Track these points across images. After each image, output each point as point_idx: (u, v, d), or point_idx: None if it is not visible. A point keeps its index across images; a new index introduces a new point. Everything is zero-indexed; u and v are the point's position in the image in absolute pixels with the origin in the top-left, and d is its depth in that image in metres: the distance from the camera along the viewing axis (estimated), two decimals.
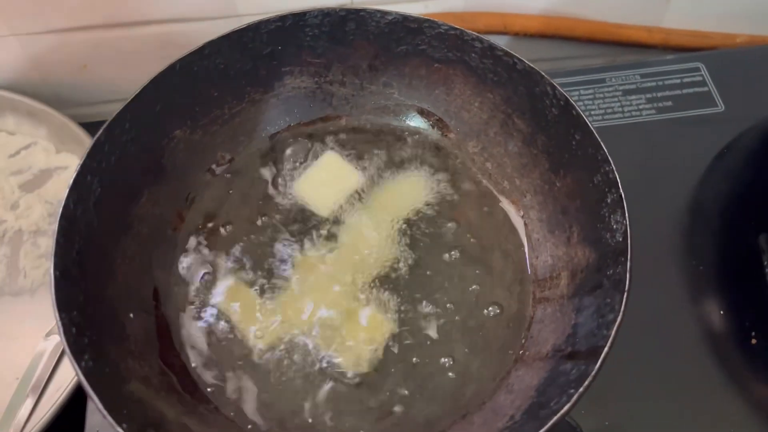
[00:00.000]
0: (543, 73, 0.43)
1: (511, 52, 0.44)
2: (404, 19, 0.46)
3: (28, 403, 0.54)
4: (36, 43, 0.67)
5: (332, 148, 0.48)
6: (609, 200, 0.40)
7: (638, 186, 0.58)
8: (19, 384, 0.54)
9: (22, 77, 0.70)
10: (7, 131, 0.69)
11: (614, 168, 0.39)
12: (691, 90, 0.64)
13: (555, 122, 0.43)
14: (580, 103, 0.63)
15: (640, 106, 0.63)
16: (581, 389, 0.33)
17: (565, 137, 0.43)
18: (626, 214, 0.38)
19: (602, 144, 0.40)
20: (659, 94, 0.64)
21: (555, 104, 0.43)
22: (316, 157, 0.49)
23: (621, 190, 0.39)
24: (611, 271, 0.38)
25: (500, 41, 0.72)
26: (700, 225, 0.57)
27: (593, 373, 0.34)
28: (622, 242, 0.38)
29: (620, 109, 0.63)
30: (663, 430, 0.49)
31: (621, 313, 0.35)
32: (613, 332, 0.34)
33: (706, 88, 0.64)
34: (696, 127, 0.62)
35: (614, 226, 0.39)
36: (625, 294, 0.36)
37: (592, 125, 0.41)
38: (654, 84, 0.65)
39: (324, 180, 0.47)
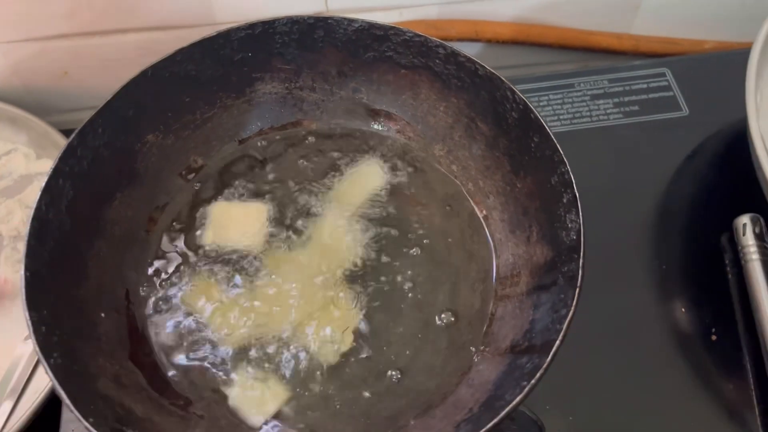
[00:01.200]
0: (503, 78, 0.45)
1: (473, 57, 0.46)
2: (370, 27, 0.48)
3: (6, 406, 0.54)
4: (17, 50, 0.68)
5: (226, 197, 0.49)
6: (565, 200, 0.41)
7: (605, 188, 0.60)
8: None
9: (4, 84, 0.71)
10: None
11: (569, 169, 0.41)
12: (656, 95, 0.66)
13: (515, 126, 0.45)
14: (549, 108, 0.65)
15: (608, 111, 0.65)
16: (533, 381, 0.35)
17: (524, 140, 0.44)
18: (580, 213, 0.40)
19: (558, 146, 0.42)
20: (626, 99, 0.66)
21: (515, 108, 0.45)
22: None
23: (575, 190, 0.40)
24: (566, 268, 0.39)
25: (473, 48, 0.74)
26: (665, 225, 0.59)
27: (545, 365, 0.35)
28: (576, 240, 0.39)
29: (588, 114, 0.65)
30: (626, 425, 0.50)
31: (573, 308, 0.36)
32: (565, 326, 0.36)
33: (671, 93, 0.66)
34: (661, 130, 0.64)
35: (569, 225, 0.40)
36: (577, 289, 0.37)
37: (549, 128, 0.42)
38: (621, 89, 0.67)
39: (232, 221, 0.48)
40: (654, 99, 0.66)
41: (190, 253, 0.46)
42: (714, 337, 0.53)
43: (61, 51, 0.69)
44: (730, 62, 0.69)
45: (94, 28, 0.67)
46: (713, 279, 0.56)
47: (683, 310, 0.54)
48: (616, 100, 0.66)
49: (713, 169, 0.62)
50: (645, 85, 0.67)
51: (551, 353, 0.35)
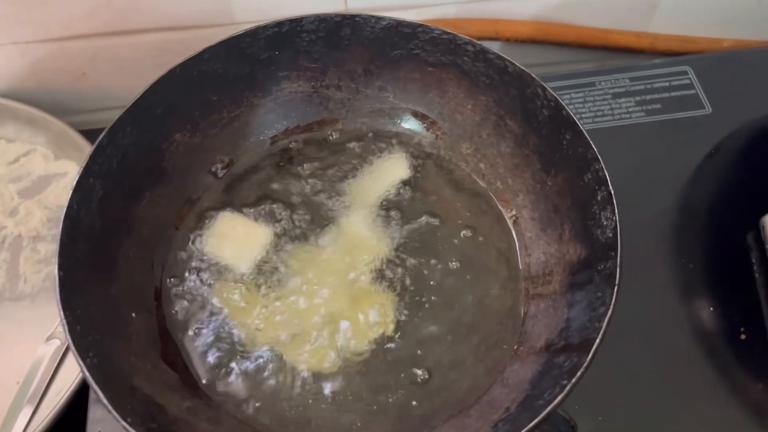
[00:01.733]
0: (534, 76, 0.44)
1: (503, 55, 0.46)
2: (398, 24, 0.47)
3: (29, 407, 0.54)
4: (35, 51, 0.68)
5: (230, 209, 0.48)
6: (599, 197, 0.41)
7: (628, 186, 0.59)
8: (19, 388, 0.55)
9: (22, 85, 0.71)
10: (6, 138, 0.70)
11: (603, 166, 0.41)
12: (678, 93, 0.66)
13: (546, 123, 0.45)
14: (571, 106, 0.65)
15: (630, 109, 0.65)
16: (573, 380, 0.34)
17: (555, 137, 0.44)
18: (616, 211, 0.39)
19: (592, 143, 0.41)
20: (648, 97, 0.66)
21: (546, 105, 0.44)
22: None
23: (610, 187, 0.40)
24: (602, 266, 0.39)
25: (492, 47, 0.74)
26: (689, 224, 0.59)
27: (585, 364, 0.35)
28: (612, 238, 0.39)
29: (610, 112, 0.65)
30: (654, 425, 0.50)
31: (612, 306, 0.36)
32: (605, 324, 0.35)
33: (693, 91, 0.66)
34: (684, 128, 0.63)
35: (604, 223, 0.40)
36: (616, 287, 0.37)
37: (581, 125, 0.42)
38: (643, 87, 0.66)
39: (231, 239, 0.47)
40: (676, 97, 0.65)
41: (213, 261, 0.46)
42: (743, 336, 0.53)
43: (79, 51, 0.69)
44: (751, 60, 0.69)
45: (112, 29, 0.67)
46: (740, 278, 0.55)
47: (711, 309, 0.54)
48: (638, 98, 0.65)
49: (737, 167, 0.62)
50: (667, 84, 0.66)
51: (591, 351, 0.35)
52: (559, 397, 0.34)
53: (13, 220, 0.66)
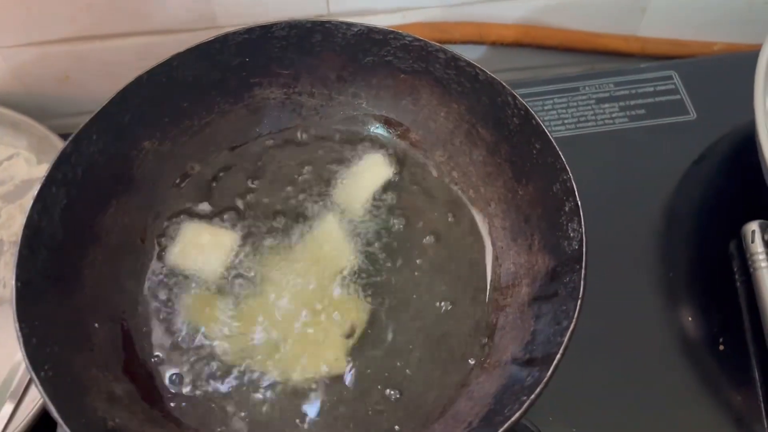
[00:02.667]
0: (504, 84, 0.44)
1: (474, 62, 0.45)
2: (369, 31, 0.47)
3: (7, 409, 0.54)
4: (17, 55, 0.68)
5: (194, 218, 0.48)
6: (567, 208, 0.40)
7: (609, 193, 0.59)
8: (0, 385, 0.55)
9: (5, 89, 0.71)
10: None
11: (571, 177, 0.40)
12: (663, 98, 0.65)
13: (517, 132, 0.44)
14: (554, 112, 0.64)
15: (613, 114, 0.64)
16: (533, 396, 0.34)
17: (526, 146, 0.44)
18: (582, 223, 0.39)
19: (560, 153, 0.41)
20: (632, 102, 0.65)
21: (516, 114, 0.44)
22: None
23: (578, 199, 0.39)
24: (567, 279, 0.38)
25: (477, 51, 0.74)
26: (671, 232, 0.58)
27: (545, 380, 0.34)
28: (578, 250, 0.38)
29: (593, 118, 0.64)
30: None
31: (574, 321, 0.36)
32: (566, 339, 0.35)
33: (678, 96, 0.65)
34: (668, 134, 0.63)
35: (571, 234, 0.39)
36: (579, 301, 0.36)
37: (551, 134, 0.42)
38: (627, 92, 0.65)
39: (198, 249, 0.47)
40: (661, 102, 0.65)
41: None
42: (722, 347, 0.52)
43: (62, 55, 0.69)
44: (739, 64, 0.68)
45: (94, 32, 0.67)
46: (721, 287, 0.55)
47: (690, 318, 0.53)
48: (622, 103, 0.65)
49: (721, 174, 0.61)
50: (652, 89, 0.65)
51: (552, 367, 0.34)
52: (517, 414, 0.33)
53: None
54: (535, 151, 0.43)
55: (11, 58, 0.68)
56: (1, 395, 0.55)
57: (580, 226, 0.39)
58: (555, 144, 0.41)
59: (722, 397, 0.50)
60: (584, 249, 0.38)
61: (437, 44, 0.46)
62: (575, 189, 0.39)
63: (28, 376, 0.54)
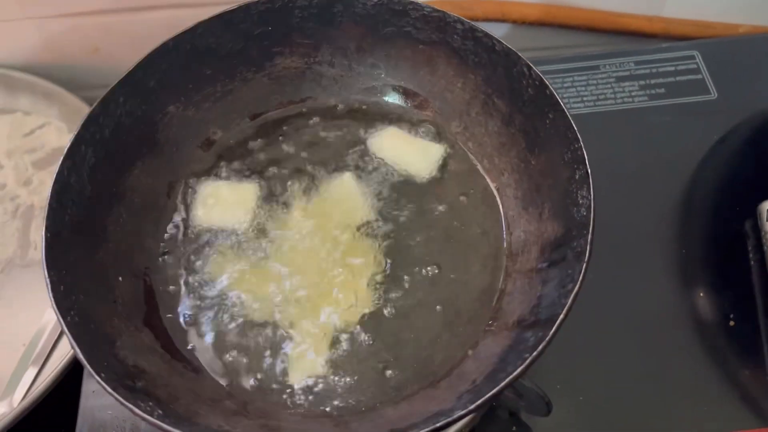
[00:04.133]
0: (520, 54, 0.44)
1: (490, 33, 0.46)
2: (389, 2, 0.48)
3: (33, 368, 0.57)
4: (49, 26, 0.70)
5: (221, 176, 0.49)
6: (577, 176, 0.41)
7: (628, 171, 0.60)
8: (24, 350, 0.57)
9: (38, 59, 0.73)
10: (23, 111, 0.73)
11: (582, 145, 0.41)
12: (684, 77, 0.65)
13: (531, 102, 0.45)
14: (573, 89, 0.64)
15: (633, 93, 0.64)
16: (534, 353, 0.35)
17: (539, 116, 0.44)
18: (591, 189, 0.39)
19: (572, 122, 0.41)
20: (652, 81, 0.65)
21: (531, 84, 0.44)
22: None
23: (588, 166, 0.40)
24: (575, 244, 0.39)
25: (499, 29, 0.74)
26: (688, 210, 0.58)
27: (547, 338, 0.35)
28: (586, 216, 0.39)
29: (612, 96, 0.64)
30: (637, 408, 0.50)
31: (579, 283, 0.36)
32: (570, 300, 0.36)
33: (699, 76, 0.65)
34: (687, 114, 0.63)
35: (580, 201, 0.40)
36: (584, 264, 0.37)
37: (564, 104, 0.42)
38: (648, 71, 0.66)
39: (221, 204, 0.48)
40: (681, 82, 0.65)
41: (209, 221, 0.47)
42: (732, 323, 0.52)
43: (92, 27, 0.71)
44: (763, 46, 0.68)
45: (123, 5, 0.69)
46: (734, 265, 0.55)
47: (701, 294, 0.54)
48: (642, 82, 0.65)
49: (740, 154, 0.61)
50: (673, 68, 0.65)
51: (554, 326, 0.35)
52: (519, 369, 0.34)
53: (26, 190, 0.69)
54: (548, 121, 0.43)
55: (43, 29, 0.70)
56: (28, 354, 0.57)
57: (589, 193, 0.39)
58: (567, 113, 0.42)
59: (731, 373, 0.51)
60: (592, 215, 0.39)
61: (455, 15, 0.47)
62: (585, 157, 0.40)
63: (52, 342, 0.57)
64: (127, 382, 0.36)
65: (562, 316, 0.35)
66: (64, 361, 0.55)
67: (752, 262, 0.55)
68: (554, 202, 0.43)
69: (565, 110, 0.42)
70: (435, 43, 0.49)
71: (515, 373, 0.34)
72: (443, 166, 0.49)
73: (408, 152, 0.49)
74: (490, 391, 0.34)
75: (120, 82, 0.45)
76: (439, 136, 0.50)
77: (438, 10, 0.47)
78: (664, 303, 0.53)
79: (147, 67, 0.46)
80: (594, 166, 0.57)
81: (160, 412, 0.35)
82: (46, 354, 0.58)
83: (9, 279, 0.62)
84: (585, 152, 0.40)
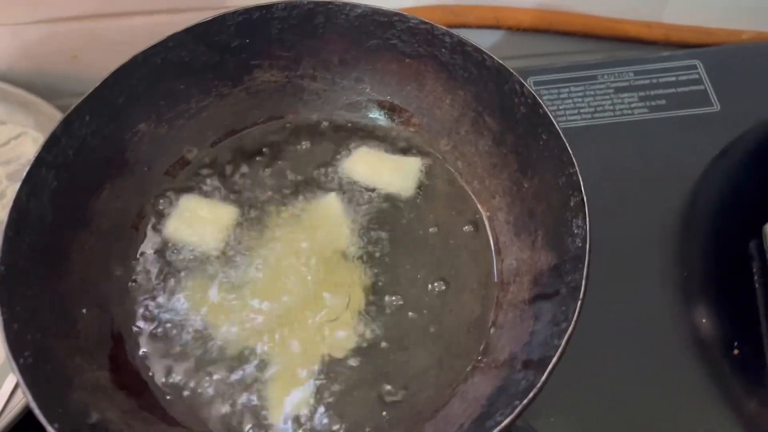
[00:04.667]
0: (511, 70, 0.42)
1: (481, 47, 0.43)
2: (373, 12, 0.45)
3: (8, 386, 0.54)
4: (26, 32, 0.68)
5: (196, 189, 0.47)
6: (572, 203, 0.38)
7: (626, 186, 0.57)
8: (4, 360, 0.55)
9: (13, 67, 0.71)
10: None
11: (578, 170, 0.38)
12: (686, 88, 0.62)
13: (523, 121, 0.42)
14: (569, 101, 0.62)
15: (632, 105, 0.62)
16: (525, 401, 0.32)
17: (533, 137, 0.41)
18: (587, 219, 0.37)
19: (567, 145, 0.39)
20: (653, 92, 0.62)
21: (523, 102, 0.42)
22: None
23: (583, 194, 0.37)
24: (569, 278, 0.36)
25: (492, 36, 0.71)
26: (689, 229, 0.56)
27: (539, 385, 0.32)
28: (581, 248, 0.36)
29: (611, 107, 0.61)
30: None
31: (573, 323, 0.34)
32: (564, 342, 0.33)
33: (702, 87, 0.62)
34: (689, 127, 0.60)
35: (575, 231, 0.37)
36: (579, 302, 0.34)
37: (558, 125, 0.39)
38: (648, 82, 0.63)
39: (195, 222, 0.46)
40: (683, 93, 0.62)
41: (180, 247, 0.45)
42: (736, 351, 0.49)
43: (70, 34, 0.68)
44: (767, 54, 0.65)
45: (102, 11, 0.66)
46: (738, 288, 0.52)
47: (704, 320, 0.51)
48: (641, 93, 0.62)
49: (744, 170, 0.58)
50: (674, 78, 0.63)
51: (546, 372, 0.32)
52: (508, 419, 0.32)
53: (0, 204, 0.66)
54: (541, 142, 0.41)
55: (20, 35, 0.68)
56: (3, 371, 0.55)
57: (585, 223, 0.37)
58: (562, 135, 0.39)
59: (734, 403, 0.48)
60: (587, 247, 0.36)
61: (444, 27, 0.44)
62: (581, 183, 0.37)
63: None
64: (83, 429, 0.34)
65: (555, 360, 0.33)
66: None
67: (757, 286, 0.52)
68: (548, 230, 0.40)
69: (560, 131, 0.39)
70: (422, 56, 0.46)
71: (504, 423, 0.32)
72: (429, 186, 0.47)
73: (384, 171, 0.46)
74: None
75: (85, 100, 0.42)
76: (422, 154, 0.48)
77: (425, 22, 0.44)
78: (665, 330, 0.50)
79: (115, 83, 0.43)
80: (592, 182, 0.54)
81: None
82: None
83: None
84: (581, 178, 0.38)
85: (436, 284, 0.43)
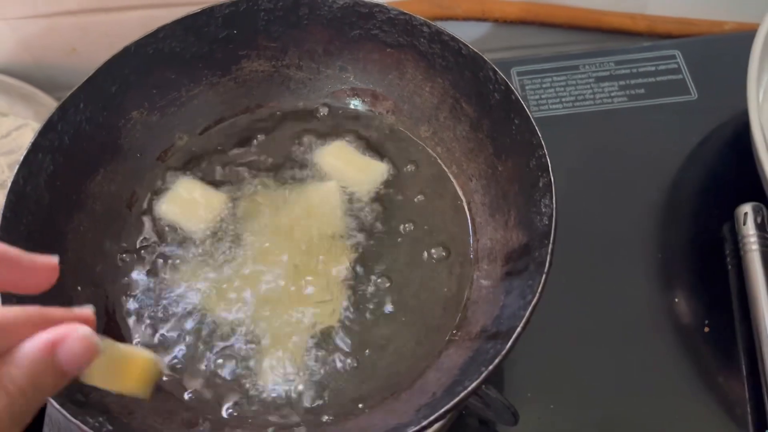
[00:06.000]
0: (486, 59, 0.44)
1: (457, 37, 0.45)
2: (355, 4, 0.47)
3: None
4: (25, 26, 0.69)
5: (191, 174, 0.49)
6: (540, 184, 0.40)
7: (605, 172, 0.59)
8: None
9: (15, 60, 0.73)
10: None
11: (546, 153, 0.40)
12: (665, 78, 0.64)
13: (497, 107, 0.44)
14: (552, 90, 0.63)
15: (612, 94, 0.63)
16: (491, 367, 0.34)
17: (506, 122, 0.43)
18: (554, 199, 0.38)
19: (537, 129, 0.41)
20: (632, 82, 0.64)
21: (497, 89, 0.43)
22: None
23: (551, 175, 0.39)
24: (537, 254, 0.38)
25: (479, 28, 0.73)
26: (666, 213, 0.57)
27: (503, 352, 0.34)
28: (548, 225, 0.38)
29: (591, 96, 0.63)
30: (610, 415, 0.49)
31: (537, 294, 0.36)
32: (528, 312, 0.35)
33: (680, 76, 0.64)
34: (667, 115, 0.62)
35: (543, 210, 0.39)
36: (544, 276, 0.36)
37: (529, 110, 0.41)
38: (628, 71, 0.64)
39: (187, 203, 0.47)
40: (661, 82, 0.63)
41: (168, 229, 0.47)
42: (707, 329, 0.51)
43: (68, 27, 0.70)
44: (746, 45, 0.66)
45: (99, 5, 0.68)
46: (712, 269, 0.54)
47: (677, 299, 0.53)
48: (622, 82, 0.64)
49: (720, 156, 0.60)
50: (653, 68, 0.64)
51: (511, 339, 0.34)
52: (474, 384, 0.34)
53: (2, 193, 0.68)
54: (514, 127, 0.43)
55: (19, 30, 0.69)
56: None
57: (552, 202, 0.38)
58: (533, 119, 0.41)
59: (706, 379, 0.50)
60: (554, 224, 0.38)
61: (422, 18, 0.46)
62: (549, 165, 0.39)
63: None
64: (77, 397, 0.36)
65: (519, 329, 0.35)
66: None
67: (729, 267, 0.54)
68: (519, 210, 0.42)
69: (530, 116, 0.41)
70: (402, 46, 0.48)
71: (470, 388, 0.34)
72: (412, 172, 0.49)
73: (350, 169, 0.48)
74: (446, 404, 0.34)
75: (79, 88, 0.44)
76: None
77: (404, 13, 0.46)
78: (639, 308, 0.52)
79: (108, 72, 0.45)
80: (571, 168, 0.57)
81: (110, 428, 0.34)
82: None
83: None
84: (549, 160, 0.40)
85: (414, 264, 0.45)
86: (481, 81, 0.45)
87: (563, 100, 0.63)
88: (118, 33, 0.70)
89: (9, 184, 0.67)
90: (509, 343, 0.34)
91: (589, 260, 0.54)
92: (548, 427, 0.48)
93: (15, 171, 0.41)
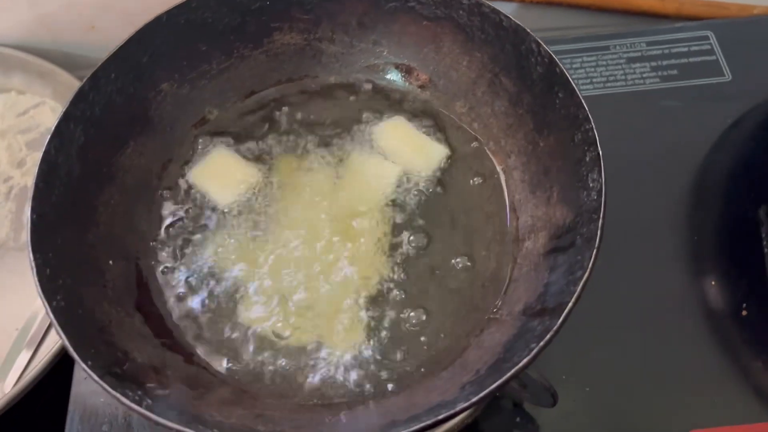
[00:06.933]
0: (528, 30, 0.42)
1: (498, 9, 0.44)
2: None
3: (27, 352, 0.55)
4: (44, 3, 0.68)
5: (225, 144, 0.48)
6: (587, 159, 0.39)
7: (638, 155, 0.58)
8: (18, 334, 0.56)
9: (32, 37, 0.71)
10: (16, 90, 0.71)
11: (594, 126, 0.39)
12: (698, 59, 0.63)
13: (540, 81, 0.43)
14: (582, 70, 0.62)
15: (644, 75, 0.62)
16: (542, 343, 0.33)
17: (549, 96, 0.42)
18: (602, 172, 0.37)
19: (583, 102, 0.39)
20: (665, 63, 0.63)
21: (540, 62, 0.42)
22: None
23: (599, 148, 0.38)
24: (585, 229, 0.37)
25: (507, 8, 0.71)
26: (700, 196, 0.56)
27: (555, 327, 0.33)
28: (597, 200, 0.37)
29: (623, 77, 0.62)
30: (645, 399, 0.48)
31: (588, 270, 0.35)
32: (579, 288, 0.34)
33: (714, 57, 0.63)
34: (700, 96, 0.61)
35: (591, 185, 0.38)
36: (595, 251, 0.35)
37: (574, 83, 0.40)
38: (660, 52, 0.63)
39: (219, 173, 0.47)
40: (695, 63, 0.62)
41: (200, 201, 0.46)
42: (745, 312, 0.50)
43: (87, 4, 0.69)
44: None
45: None
46: (747, 253, 0.53)
47: (713, 282, 0.52)
48: (653, 63, 0.63)
49: (755, 139, 0.59)
50: (686, 49, 0.63)
51: (563, 315, 0.33)
52: (525, 359, 0.33)
53: (20, 171, 0.67)
54: (557, 101, 0.42)
55: (37, 6, 0.68)
56: (21, 338, 0.56)
57: (600, 176, 0.37)
58: (579, 92, 0.40)
59: (742, 364, 0.49)
60: (603, 199, 0.37)
61: None
62: (597, 138, 0.38)
63: (45, 326, 0.55)
64: (115, 370, 0.35)
65: (570, 304, 0.34)
66: (57, 345, 0.54)
67: (766, 250, 0.53)
68: (563, 186, 0.41)
69: (576, 89, 0.40)
70: (440, 19, 0.47)
71: (521, 364, 0.33)
72: (450, 149, 0.47)
73: (408, 149, 0.47)
74: (494, 382, 0.33)
75: (111, 57, 0.43)
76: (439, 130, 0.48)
77: None
78: (675, 291, 0.51)
79: (139, 42, 0.44)
80: (603, 151, 0.55)
81: (149, 401, 0.33)
82: (39, 338, 0.56)
83: (2, 262, 0.61)
84: (596, 133, 0.38)
85: (452, 243, 0.44)
86: (522, 54, 0.43)
87: (594, 81, 0.62)
88: (137, 10, 0.69)
89: (28, 161, 0.67)
90: (561, 318, 0.33)
91: (622, 243, 0.53)
92: (584, 409, 0.47)
93: (47, 140, 0.39)
